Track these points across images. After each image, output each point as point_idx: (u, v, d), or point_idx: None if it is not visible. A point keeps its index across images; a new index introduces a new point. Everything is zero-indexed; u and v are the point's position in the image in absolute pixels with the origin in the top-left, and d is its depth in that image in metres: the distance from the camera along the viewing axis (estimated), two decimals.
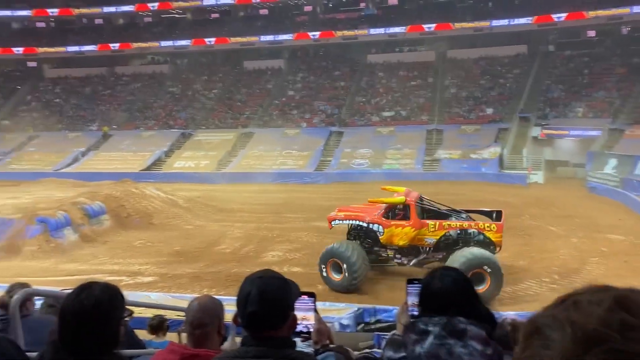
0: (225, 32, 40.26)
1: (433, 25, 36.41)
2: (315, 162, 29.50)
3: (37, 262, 14.84)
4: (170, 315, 6.17)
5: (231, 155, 31.43)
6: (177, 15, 43.42)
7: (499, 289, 10.67)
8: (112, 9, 41.46)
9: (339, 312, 9.12)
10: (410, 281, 2.05)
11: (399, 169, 28.09)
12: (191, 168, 30.01)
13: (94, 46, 41.20)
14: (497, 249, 11.58)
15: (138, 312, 5.92)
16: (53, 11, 41.17)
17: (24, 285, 3.08)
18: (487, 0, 37.79)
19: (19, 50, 40.79)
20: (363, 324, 8.64)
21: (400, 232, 11.97)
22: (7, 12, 41.20)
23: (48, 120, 37.34)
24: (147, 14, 43.14)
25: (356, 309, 8.99)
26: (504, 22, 34.95)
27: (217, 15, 43.25)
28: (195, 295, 10.71)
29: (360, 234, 12.63)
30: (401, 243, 12.04)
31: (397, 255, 12.23)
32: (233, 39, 39.71)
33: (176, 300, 10.22)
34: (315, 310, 1.99)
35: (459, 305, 1.66)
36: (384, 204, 12.37)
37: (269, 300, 1.58)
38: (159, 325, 5.18)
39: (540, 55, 35.25)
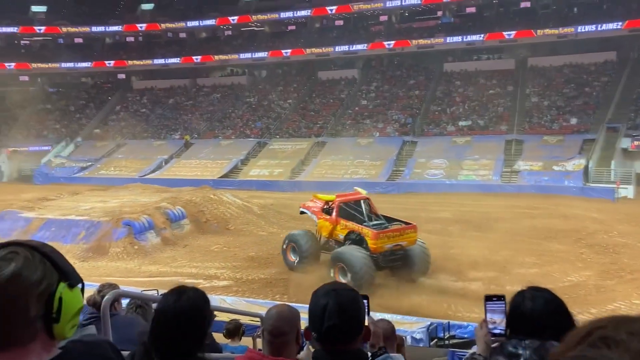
0: (301, 44, 41.04)
1: (513, 33, 35.16)
2: (388, 171, 29.24)
3: (122, 263, 15.73)
4: (244, 320, 6.30)
5: (304, 164, 31.85)
6: (255, 28, 44.82)
7: (356, 283, 11.37)
8: (195, 23, 43.45)
9: (410, 325, 8.94)
10: (489, 298, 1.94)
11: (476, 180, 27.21)
12: (265, 176, 30.71)
13: (178, 59, 43.36)
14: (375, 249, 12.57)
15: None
16: (142, 26, 43.76)
17: (113, 285, 3.25)
18: (572, 6, 36.00)
19: (110, 63, 43.68)
20: (436, 339, 8.42)
21: (325, 225, 14.10)
22: (101, 28, 44.28)
23: (135, 129, 39.63)
24: (227, 28, 44.85)
25: (429, 323, 8.78)
26: (590, 28, 33.10)
27: (293, 27, 44.17)
28: (268, 301, 10.93)
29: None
30: (324, 234, 14.13)
31: (328, 244, 14.13)
32: (308, 50, 40.39)
33: (250, 305, 10.47)
34: (369, 313, 1.95)
35: (552, 328, 1.57)
36: (324, 201, 14.67)
37: (346, 313, 1.57)
38: (235, 330, 5.30)
39: (632, 63, 33.04)
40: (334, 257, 12.68)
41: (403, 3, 38.98)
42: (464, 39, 36.87)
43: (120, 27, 44.20)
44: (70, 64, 42.87)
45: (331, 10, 40.10)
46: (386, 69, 40.83)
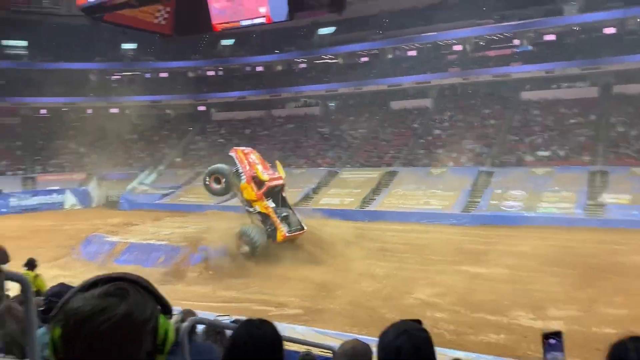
0: (374, 75, 41.40)
1: (596, 60, 33.62)
2: (462, 203, 28.45)
3: (198, 287, 16.24)
4: (314, 351, 6.27)
5: (375, 193, 31.71)
6: (329, 61, 45.81)
7: (252, 256, 17.75)
8: (272, 57, 45.14)
9: None
10: (547, 336, 1.83)
11: (557, 213, 25.84)
12: (336, 205, 30.80)
13: (254, 91, 45.09)
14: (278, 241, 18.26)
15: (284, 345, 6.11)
16: (222, 61, 46.01)
17: (192, 312, 3.37)
18: None
19: (192, 96, 46.09)
20: None
21: (249, 191, 18.74)
22: (184, 64, 46.99)
23: (212, 158, 41.21)
24: (302, 61, 46.16)
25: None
26: None
27: (366, 58, 44.71)
28: (338, 332, 10.83)
29: (235, 171, 19.44)
30: (245, 196, 18.98)
31: (242, 201, 19.40)
32: (381, 81, 40.69)
33: (318, 336, 10.42)
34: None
35: None
36: (258, 172, 19.03)
37: (423, 356, 1.53)
38: None
39: None
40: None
41: (478, 33, 38.52)
42: (543, 67, 35.73)
43: (201, 62, 46.65)
44: (156, 97, 45.61)
45: (404, 41, 40.27)
46: (460, 98, 40.21)
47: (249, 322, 1.74)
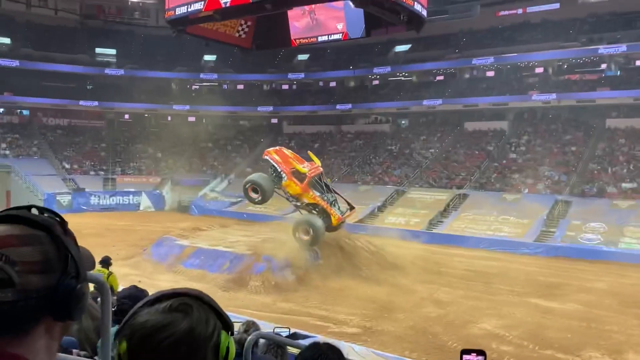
0: (449, 94, 40.66)
1: None
2: (536, 232, 27.07)
3: (259, 296, 16.40)
4: None
5: (443, 215, 30.89)
6: (403, 78, 45.52)
7: (315, 243, 18.77)
8: (345, 73, 45.45)
9: None
10: (467, 352, 1.81)
11: None
12: (401, 225, 30.27)
13: (325, 106, 45.52)
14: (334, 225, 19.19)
15: None
16: (296, 75, 46.83)
17: (255, 323, 3.33)
18: None
19: (265, 108, 47.17)
20: None
21: (293, 186, 19.09)
22: (260, 77, 48.30)
23: None
24: (375, 77, 46.16)
25: None
26: None
27: (441, 77, 44.04)
28: (397, 356, 10.52)
29: (274, 173, 19.51)
30: (290, 192, 19.37)
31: (289, 198, 20.05)
32: (455, 101, 39.91)
33: (377, 358, 10.17)
34: None
35: None
36: (295, 166, 19.28)
37: None
38: None
39: None
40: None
41: (563, 55, 36.93)
42: (632, 94, 33.63)
43: (277, 75, 47.76)
44: (232, 108, 47.11)
45: (483, 62, 39.26)
46: (539, 122, 38.59)
47: (317, 347, 1.71)
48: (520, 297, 16.68)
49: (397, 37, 40.36)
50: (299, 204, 19.85)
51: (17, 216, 0.95)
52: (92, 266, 1.07)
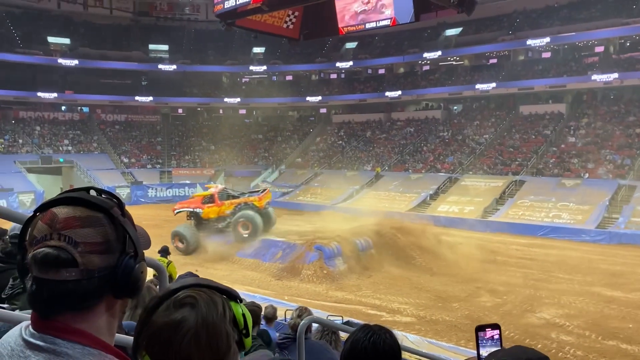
0: (503, 77, 39.38)
1: None
2: (597, 218, 25.89)
3: (312, 285, 16.52)
4: None
5: (499, 203, 30.06)
6: (454, 63, 44.43)
7: (255, 234, 20.63)
8: (394, 59, 44.75)
9: None
10: (482, 328, 1.79)
11: None
12: (455, 213, 29.68)
13: (375, 94, 45.06)
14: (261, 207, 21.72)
15: None
16: (344, 64, 46.56)
17: (307, 309, 3.34)
18: None
19: (314, 98, 47.23)
20: None
21: (211, 209, 21.62)
22: (309, 67, 48.37)
23: (331, 159, 42.06)
24: (425, 63, 45.28)
25: None
26: None
27: (495, 60, 42.69)
28: (452, 345, 10.36)
29: (192, 216, 21.98)
30: (212, 216, 21.64)
31: (215, 224, 21.68)
32: (510, 84, 38.59)
33: (433, 347, 10.05)
34: None
35: None
36: (201, 196, 22.61)
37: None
38: None
39: None
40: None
41: (625, 33, 34.87)
42: None
43: (325, 65, 47.63)
44: (281, 99, 47.49)
45: (539, 42, 37.62)
46: (600, 104, 36.76)
47: (368, 327, 1.73)
48: (581, 286, 16.03)
49: (447, 20, 39.44)
50: (227, 219, 21.74)
51: (78, 198, 0.99)
52: (148, 245, 1.10)
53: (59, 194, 1.02)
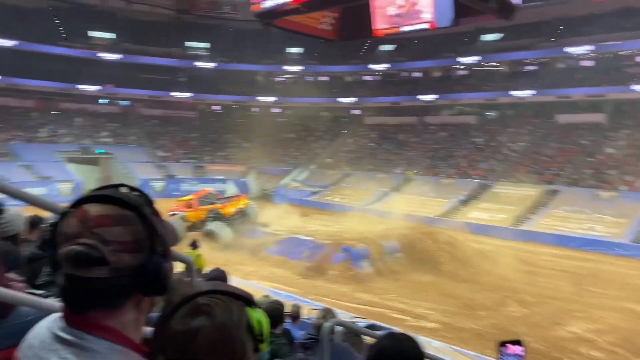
0: (540, 84, 38.60)
1: None
2: (634, 232, 25.11)
3: (337, 286, 16.56)
4: None
5: (531, 212, 29.49)
6: (491, 68, 43.76)
7: (224, 245, 20.42)
8: (430, 63, 44.39)
9: None
10: (504, 344, 1.84)
11: None
12: (485, 220, 29.25)
13: (409, 97, 44.74)
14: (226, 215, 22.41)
15: None
16: (380, 66, 46.39)
17: (332, 311, 3.40)
18: None
19: (347, 99, 47.21)
20: None
21: (191, 214, 22.17)
22: (343, 68, 48.40)
23: (361, 161, 41.99)
24: (462, 67, 44.75)
25: None
26: None
27: (533, 67, 41.88)
28: (477, 354, 10.26)
29: (180, 220, 21.24)
30: (193, 220, 21.95)
31: (200, 228, 21.60)
32: (547, 92, 37.79)
33: (457, 354, 9.98)
34: None
35: None
36: (185, 200, 23.48)
37: None
38: None
39: None
40: (206, 230, 21.10)
41: None
42: None
43: (360, 67, 47.55)
44: (314, 99, 47.67)
45: (580, 50, 36.74)
46: None
47: (394, 335, 1.74)
48: (614, 301, 15.60)
49: (485, 25, 38.89)
50: (206, 225, 21.97)
51: (110, 196, 1.02)
52: (177, 240, 1.12)
53: (91, 191, 1.05)
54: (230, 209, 22.79)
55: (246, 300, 1.03)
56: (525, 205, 29.94)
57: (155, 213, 1.06)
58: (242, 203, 23.74)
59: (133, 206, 1.01)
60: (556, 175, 32.51)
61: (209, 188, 28.09)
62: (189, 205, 22.87)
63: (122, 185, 1.07)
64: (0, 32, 37.80)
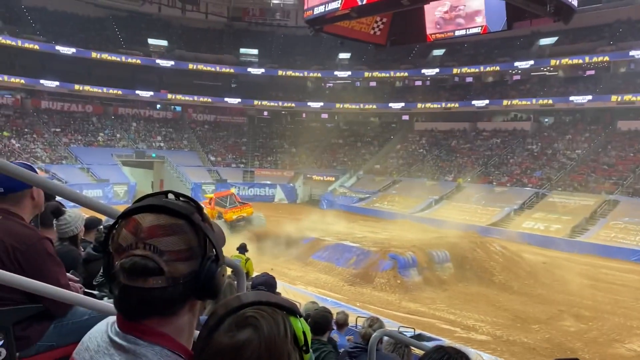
0: (600, 90, 37.02)
1: None
2: None
3: (384, 294, 16.39)
4: None
5: (589, 222, 28.26)
6: (547, 73, 42.36)
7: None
8: (483, 67, 43.38)
9: None
10: None
11: None
12: (540, 230, 28.24)
13: (461, 102, 43.87)
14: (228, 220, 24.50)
15: None
16: (430, 71, 45.72)
17: (379, 320, 3.34)
18: None
19: (397, 105, 46.77)
20: None
21: (209, 211, 23.20)
22: (393, 73, 48.03)
23: (410, 167, 41.49)
24: (516, 72, 43.55)
25: None
26: None
27: (592, 71, 40.24)
28: None
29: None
30: (245, 214, 25.27)
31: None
32: (608, 97, 36.16)
33: None
34: None
35: None
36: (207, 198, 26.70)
37: None
38: None
39: None
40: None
41: None
42: None
43: (410, 71, 47.05)
44: (363, 105, 47.56)
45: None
46: None
47: (444, 350, 1.67)
48: None
49: (541, 29, 37.69)
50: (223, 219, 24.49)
51: (160, 206, 1.02)
52: (224, 242, 1.12)
53: (141, 199, 1.05)
54: (233, 215, 24.90)
55: (291, 310, 1.01)
56: (582, 215, 28.71)
57: (205, 219, 1.06)
58: (245, 212, 25.62)
59: (184, 215, 1.01)
60: (616, 185, 31.03)
61: (233, 189, 30.77)
62: (209, 202, 25.73)
63: (169, 191, 1.08)
64: (63, 40, 39.84)
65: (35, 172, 1.76)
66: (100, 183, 35.00)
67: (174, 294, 0.99)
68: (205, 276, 1.01)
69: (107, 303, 1.84)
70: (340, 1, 12.48)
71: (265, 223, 25.89)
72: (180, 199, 1.07)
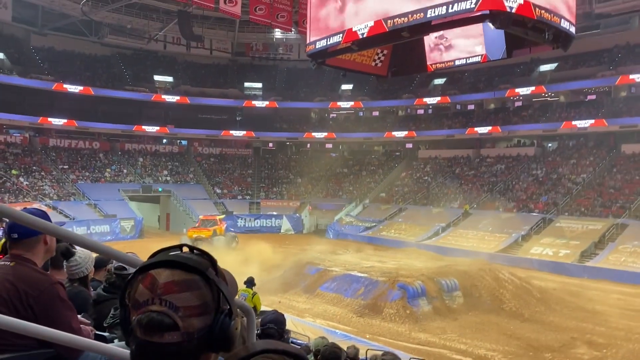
0: (602, 114, 37.15)
1: None
2: None
3: (394, 324, 16.18)
4: None
5: (597, 247, 27.99)
6: (548, 99, 42.64)
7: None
8: (484, 95, 43.74)
9: None
10: None
11: None
12: (549, 256, 27.98)
13: (463, 130, 44.04)
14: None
15: None
16: (432, 100, 46.09)
17: (397, 357, 3.33)
18: None
19: (400, 134, 47.01)
20: None
21: (195, 230, 30.69)
22: (395, 102, 48.49)
23: (416, 195, 41.44)
24: (517, 99, 43.85)
25: None
26: None
27: (593, 96, 40.46)
28: None
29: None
30: (196, 234, 29.96)
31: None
32: (610, 121, 36.25)
33: None
34: None
35: None
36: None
37: None
38: None
39: None
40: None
41: None
42: None
43: (412, 101, 47.43)
44: (367, 134, 47.88)
45: None
46: None
47: None
48: None
49: (541, 55, 38.12)
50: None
51: (175, 262, 1.06)
52: (236, 291, 1.16)
53: (156, 254, 1.10)
54: (209, 233, 30.00)
55: (299, 357, 1.03)
56: (591, 239, 28.46)
57: (218, 273, 1.10)
58: (217, 229, 30.79)
59: (198, 270, 1.05)
60: (623, 209, 30.84)
61: (217, 215, 35.69)
62: (199, 224, 31.81)
63: (184, 245, 1.12)
64: (70, 78, 40.59)
65: (49, 220, 1.81)
66: (107, 219, 35.11)
67: (189, 348, 1.02)
68: (219, 330, 1.04)
69: (117, 347, 1.86)
70: (341, 35, 12.71)
71: (236, 239, 31.67)
72: (195, 252, 1.11)
